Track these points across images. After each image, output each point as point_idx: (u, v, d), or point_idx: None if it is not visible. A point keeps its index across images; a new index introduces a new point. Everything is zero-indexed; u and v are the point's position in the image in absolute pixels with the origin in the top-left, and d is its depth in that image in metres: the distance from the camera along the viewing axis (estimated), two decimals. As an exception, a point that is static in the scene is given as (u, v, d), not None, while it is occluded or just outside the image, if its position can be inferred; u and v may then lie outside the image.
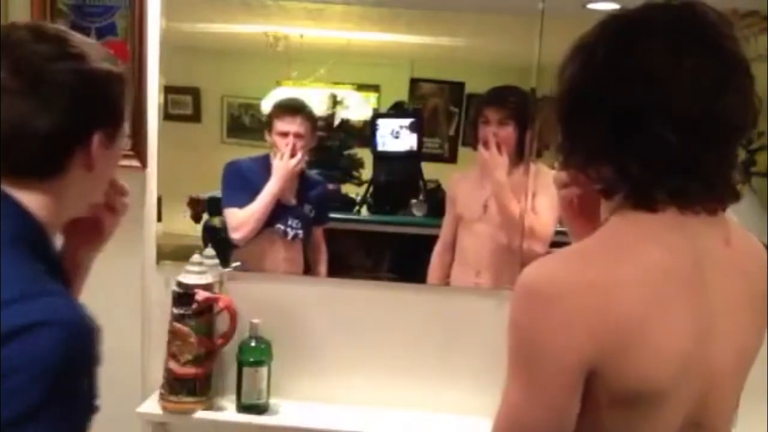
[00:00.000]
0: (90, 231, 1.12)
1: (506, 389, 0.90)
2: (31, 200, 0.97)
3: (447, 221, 2.31)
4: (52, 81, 0.97)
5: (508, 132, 2.18)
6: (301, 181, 2.36)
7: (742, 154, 2.08)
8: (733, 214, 0.98)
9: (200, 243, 2.29)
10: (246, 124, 2.42)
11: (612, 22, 0.96)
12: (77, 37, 1.03)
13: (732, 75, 0.90)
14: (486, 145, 2.17)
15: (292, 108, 2.33)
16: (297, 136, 2.30)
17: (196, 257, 2.09)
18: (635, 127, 0.90)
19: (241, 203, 2.28)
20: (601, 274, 0.87)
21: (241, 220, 2.28)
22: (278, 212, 2.31)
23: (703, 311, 0.91)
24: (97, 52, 1.03)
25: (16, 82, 0.95)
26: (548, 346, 0.86)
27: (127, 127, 1.11)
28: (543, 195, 2.13)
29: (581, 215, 1.08)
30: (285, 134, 2.30)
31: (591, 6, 2.02)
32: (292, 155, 2.29)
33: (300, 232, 2.33)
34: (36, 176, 0.98)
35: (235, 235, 2.27)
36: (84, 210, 1.08)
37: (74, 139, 0.99)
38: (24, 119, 0.96)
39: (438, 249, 2.30)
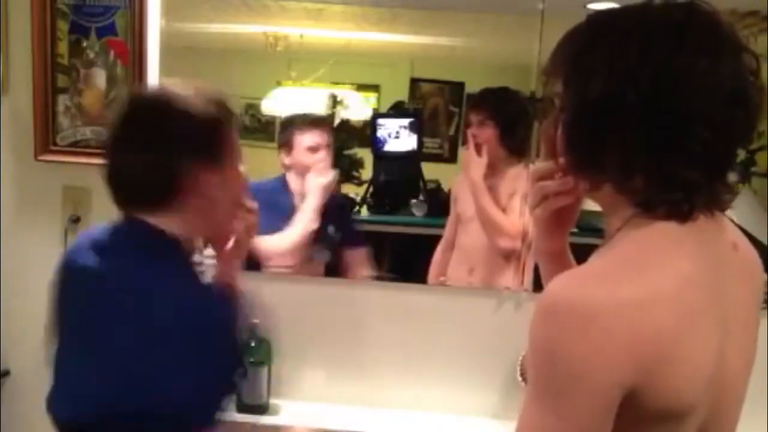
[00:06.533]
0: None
1: (530, 413, 0.86)
2: (159, 222, 1.27)
3: (449, 220, 2.33)
4: (148, 127, 1.24)
5: (488, 133, 2.21)
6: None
7: (742, 154, 2.09)
8: (733, 214, 0.98)
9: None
10: (246, 124, 2.42)
11: (622, 23, 0.91)
12: (177, 91, 1.27)
13: (751, 76, 0.89)
14: (468, 145, 2.22)
15: (317, 120, 2.27)
16: (327, 147, 2.24)
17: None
18: (679, 134, 0.86)
19: (268, 229, 2.10)
20: (634, 290, 0.83)
21: (275, 248, 2.15)
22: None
23: (720, 319, 0.89)
24: (198, 99, 1.27)
25: (123, 133, 1.25)
26: (586, 368, 0.81)
27: (239, 157, 1.34)
28: (520, 195, 2.16)
29: (558, 227, 1.07)
30: (315, 148, 2.24)
31: (591, 6, 2.02)
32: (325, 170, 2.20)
33: (325, 256, 2.25)
34: (159, 208, 1.26)
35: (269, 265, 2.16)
36: (216, 227, 1.39)
37: (177, 173, 1.24)
38: (133, 163, 1.24)
39: (439, 247, 2.32)
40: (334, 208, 2.27)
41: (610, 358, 0.81)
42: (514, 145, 2.21)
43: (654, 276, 0.85)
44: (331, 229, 2.28)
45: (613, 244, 0.91)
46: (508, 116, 2.22)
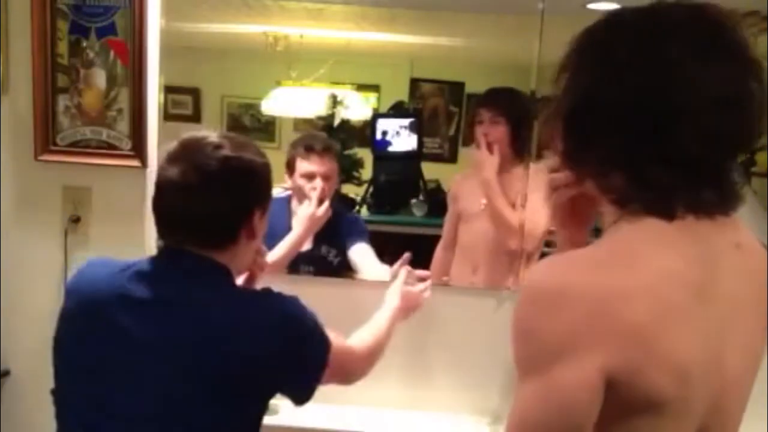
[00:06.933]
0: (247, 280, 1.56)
1: (521, 395, 0.86)
2: (219, 259, 1.36)
3: (447, 219, 2.33)
4: (222, 176, 1.31)
5: (500, 131, 2.19)
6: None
7: (742, 155, 2.09)
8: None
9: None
10: (246, 124, 2.42)
11: (625, 22, 0.92)
12: (234, 140, 1.37)
13: (753, 83, 0.88)
14: (479, 144, 2.19)
15: (320, 146, 2.17)
16: (325, 177, 2.14)
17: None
18: (659, 135, 0.86)
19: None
20: (615, 280, 0.84)
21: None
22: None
23: (715, 318, 0.89)
24: (251, 150, 1.38)
25: (197, 180, 1.30)
26: (566, 346, 0.82)
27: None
28: (537, 193, 2.14)
29: (573, 219, 1.07)
30: (311, 176, 2.14)
31: (591, 6, 2.02)
32: (320, 201, 2.11)
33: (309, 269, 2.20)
34: (220, 246, 1.34)
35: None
36: (245, 267, 1.48)
37: (242, 217, 1.35)
38: (208, 209, 1.32)
39: (440, 246, 2.32)
40: (335, 226, 2.20)
41: (589, 340, 0.82)
42: (521, 143, 2.19)
43: (637, 269, 0.86)
44: (329, 251, 2.24)
45: (604, 237, 0.93)
46: (518, 115, 2.20)
